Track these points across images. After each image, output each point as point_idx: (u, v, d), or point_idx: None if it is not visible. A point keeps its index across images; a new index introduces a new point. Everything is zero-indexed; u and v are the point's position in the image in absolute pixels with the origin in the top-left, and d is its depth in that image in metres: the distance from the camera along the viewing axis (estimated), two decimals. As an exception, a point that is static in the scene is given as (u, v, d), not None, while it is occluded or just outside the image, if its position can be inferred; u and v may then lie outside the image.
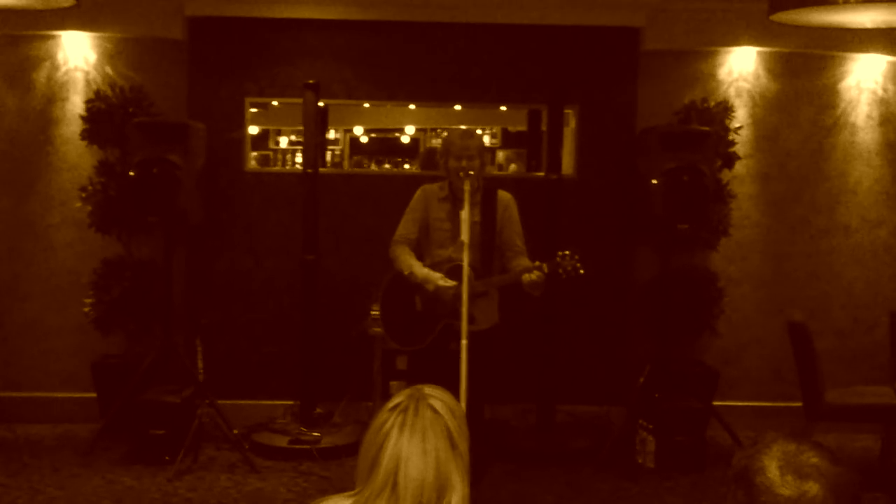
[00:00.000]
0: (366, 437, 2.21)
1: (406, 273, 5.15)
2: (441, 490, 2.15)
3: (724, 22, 7.02)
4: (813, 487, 1.85)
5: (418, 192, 5.34)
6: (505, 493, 5.86)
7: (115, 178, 6.75)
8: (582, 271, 4.92)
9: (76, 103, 6.95)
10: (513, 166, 10.36)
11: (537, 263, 4.93)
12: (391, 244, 5.29)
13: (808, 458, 1.88)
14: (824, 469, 1.87)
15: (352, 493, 2.20)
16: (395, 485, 2.12)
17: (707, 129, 6.66)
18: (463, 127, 9.34)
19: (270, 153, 10.97)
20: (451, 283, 4.98)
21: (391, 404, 2.23)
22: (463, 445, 2.22)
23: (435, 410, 2.20)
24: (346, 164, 10.69)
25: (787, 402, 6.93)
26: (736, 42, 7.09)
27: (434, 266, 5.16)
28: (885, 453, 6.23)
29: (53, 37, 6.96)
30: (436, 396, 2.24)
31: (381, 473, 2.14)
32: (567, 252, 4.96)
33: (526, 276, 4.89)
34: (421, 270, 5.11)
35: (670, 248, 6.72)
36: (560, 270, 4.91)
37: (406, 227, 5.29)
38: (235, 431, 6.38)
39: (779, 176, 7.27)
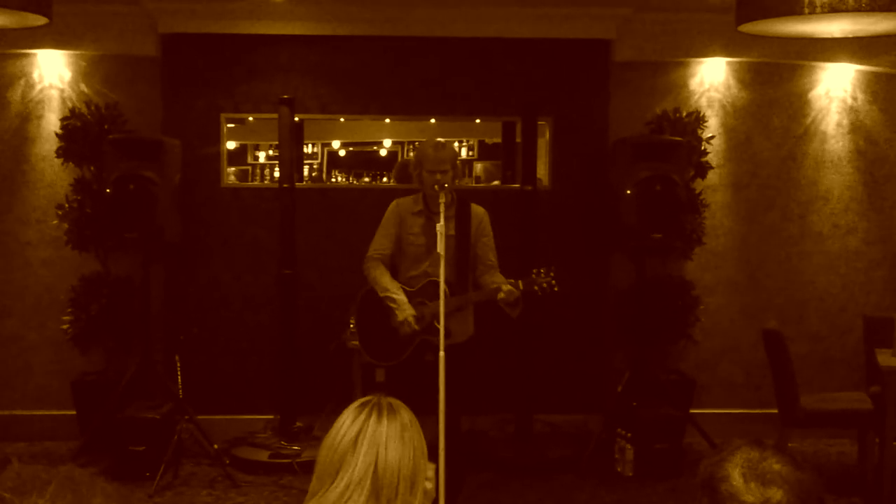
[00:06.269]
0: (331, 433, 2.19)
1: (381, 295, 5.11)
2: (413, 483, 2.16)
3: (693, 33, 7.09)
4: (776, 493, 1.88)
5: (391, 206, 5.30)
6: (483, 503, 5.88)
7: (92, 195, 6.75)
8: (556, 288, 4.94)
9: (52, 121, 6.95)
10: (495, 182, 10.35)
11: (512, 281, 4.94)
12: (365, 261, 5.25)
13: (771, 464, 1.91)
14: (787, 475, 1.90)
15: (323, 490, 2.16)
16: (374, 472, 2.12)
17: (679, 139, 6.72)
18: (438, 139, 9.35)
19: (249, 168, 10.97)
20: (414, 327, 4.98)
21: (357, 404, 2.23)
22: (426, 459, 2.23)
23: (407, 416, 2.23)
24: (324, 177, 10.70)
25: (763, 409, 6.99)
26: (706, 53, 7.17)
27: (410, 280, 5.16)
28: (861, 458, 6.29)
29: (28, 55, 6.96)
30: (404, 407, 2.26)
31: (359, 462, 2.12)
32: (542, 269, 4.98)
33: (501, 294, 4.90)
34: (398, 297, 5.06)
35: (645, 257, 6.76)
36: (535, 287, 4.93)
37: (380, 242, 5.25)
38: (216, 446, 6.39)
39: (751, 184, 7.34)
